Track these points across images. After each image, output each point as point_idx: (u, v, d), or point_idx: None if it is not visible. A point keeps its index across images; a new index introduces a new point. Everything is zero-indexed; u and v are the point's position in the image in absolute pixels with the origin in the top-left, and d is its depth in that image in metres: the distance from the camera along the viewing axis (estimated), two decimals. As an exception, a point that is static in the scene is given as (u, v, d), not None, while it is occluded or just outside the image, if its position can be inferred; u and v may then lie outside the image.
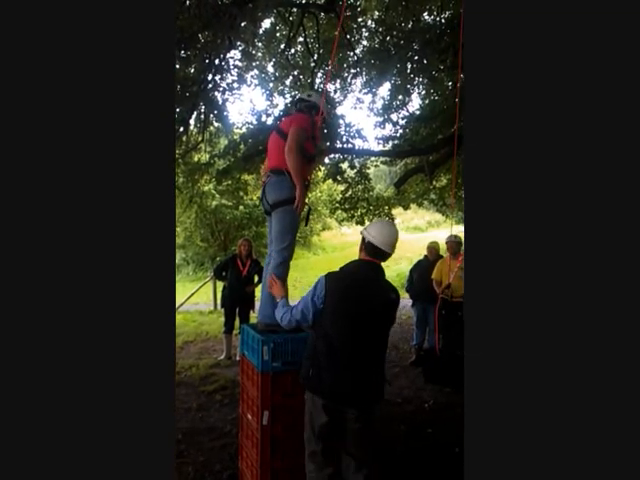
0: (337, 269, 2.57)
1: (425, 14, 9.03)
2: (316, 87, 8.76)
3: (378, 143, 9.44)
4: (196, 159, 9.83)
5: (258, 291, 6.78)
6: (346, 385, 2.40)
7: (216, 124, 8.78)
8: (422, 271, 6.25)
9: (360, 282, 2.48)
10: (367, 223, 11.01)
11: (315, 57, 9.10)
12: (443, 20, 8.27)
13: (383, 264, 2.59)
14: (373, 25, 9.54)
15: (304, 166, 2.96)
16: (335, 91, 9.83)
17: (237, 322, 6.35)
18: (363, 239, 2.58)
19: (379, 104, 9.88)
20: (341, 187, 10.89)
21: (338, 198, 11.49)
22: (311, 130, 3.04)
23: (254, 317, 7.29)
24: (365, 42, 9.71)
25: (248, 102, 14.75)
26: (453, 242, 5.77)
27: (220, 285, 7.49)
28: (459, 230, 7.69)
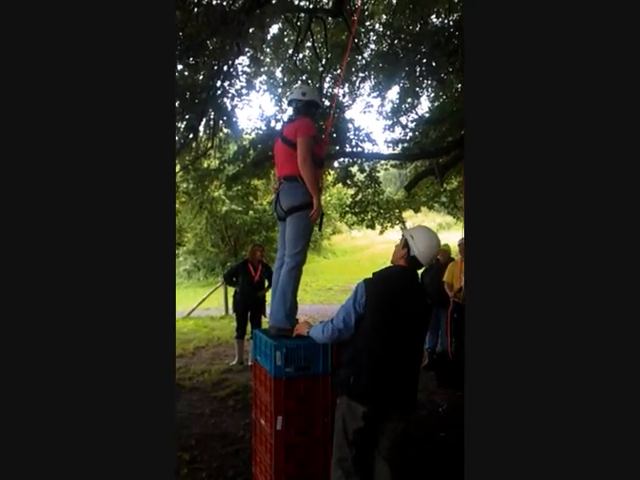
0: (373, 275, 2.56)
1: (433, 17, 9.02)
2: (325, 92, 8.78)
3: (387, 146, 9.46)
4: (206, 165, 9.89)
5: (269, 296, 6.80)
6: (389, 391, 2.42)
7: (225, 130, 8.82)
8: (433, 274, 6.22)
9: (399, 289, 2.49)
10: (377, 227, 10.98)
11: (323, 62, 9.11)
12: (451, 22, 8.26)
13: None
14: (381, 28, 9.54)
15: (317, 173, 2.97)
16: (344, 95, 9.84)
17: (249, 327, 6.36)
18: (406, 246, 2.52)
19: (388, 107, 9.89)
20: (351, 191, 10.88)
21: (348, 202, 11.48)
22: (317, 134, 3.04)
23: (266, 322, 7.30)
24: (373, 46, 9.72)
25: (257, 108, 14.88)
26: None
27: (231, 290, 7.51)
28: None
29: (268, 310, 6.95)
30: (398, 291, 2.48)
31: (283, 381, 2.64)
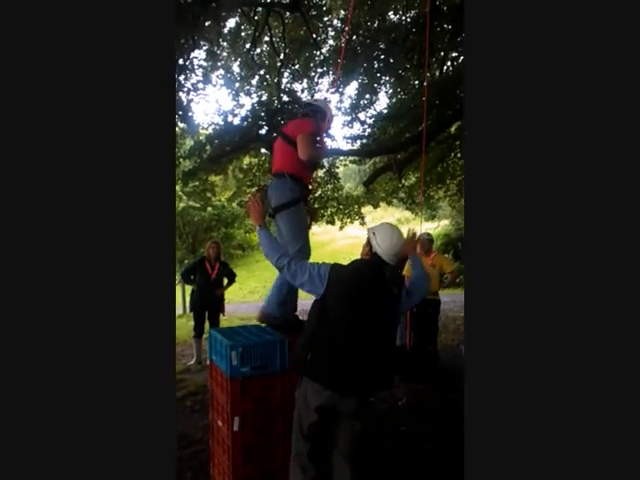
0: (342, 264, 2.57)
1: (390, 13, 9.08)
2: (283, 87, 8.72)
3: (346, 142, 9.45)
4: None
5: (228, 293, 6.69)
6: (345, 369, 2.36)
7: (181, 125, 8.64)
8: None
9: (361, 276, 2.47)
10: (337, 223, 11.01)
11: (281, 56, 9.04)
12: (409, 19, 8.33)
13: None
14: (339, 24, 9.54)
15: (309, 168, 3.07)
16: (302, 90, 9.80)
17: (207, 326, 6.25)
18: (369, 244, 2.57)
19: (347, 103, 9.89)
20: (310, 187, 10.84)
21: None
22: (317, 134, 3.10)
23: (224, 320, 7.19)
24: (331, 41, 9.71)
25: (214, 102, 14.64)
26: (426, 240, 5.78)
27: (189, 289, 7.36)
28: (427, 227, 7.75)
29: (227, 308, 6.84)
30: (360, 278, 2.46)
31: (239, 381, 2.59)
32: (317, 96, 3.06)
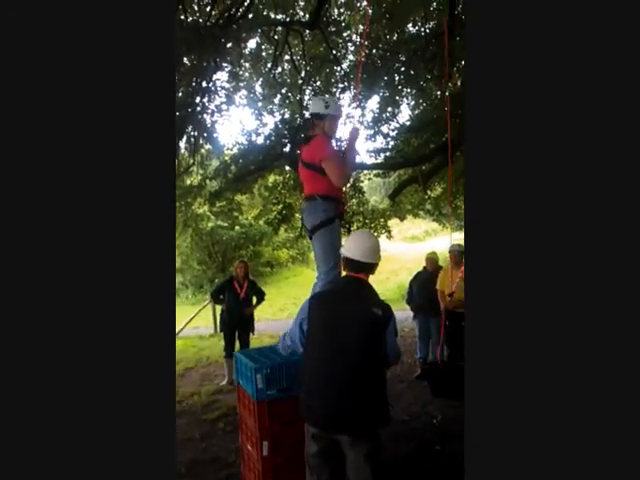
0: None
1: (409, 25, 9.06)
2: (305, 104, 8.76)
3: (370, 156, 9.42)
4: (188, 182, 9.80)
5: (257, 311, 6.69)
6: (333, 409, 2.19)
7: (207, 146, 8.76)
8: (422, 283, 6.15)
9: (337, 298, 2.35)
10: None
11: (302, 74, 9.10)
12: (428, 30, 8.30)
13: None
14: (358, 39, 9.56)
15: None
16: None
17: (238, 345, 6.24)
18: (341, 256, 2.50)
19: (369, 117, 9.88)
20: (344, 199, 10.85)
21: (333, 213, 11.44)
22: (332, 142, 3.14)
23: (254, 339, 7.17)
24: (351, 57, 9.73)
25: (237, 123, 14.83)
26: (457, 251, 5.65)
27: (219, 308, 7.40)
28: (457, 238, 7.64)
29: (257, 326, 6.84)
30: (336, 301, 2.33)
31: (266, 404, 2.54)
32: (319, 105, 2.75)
